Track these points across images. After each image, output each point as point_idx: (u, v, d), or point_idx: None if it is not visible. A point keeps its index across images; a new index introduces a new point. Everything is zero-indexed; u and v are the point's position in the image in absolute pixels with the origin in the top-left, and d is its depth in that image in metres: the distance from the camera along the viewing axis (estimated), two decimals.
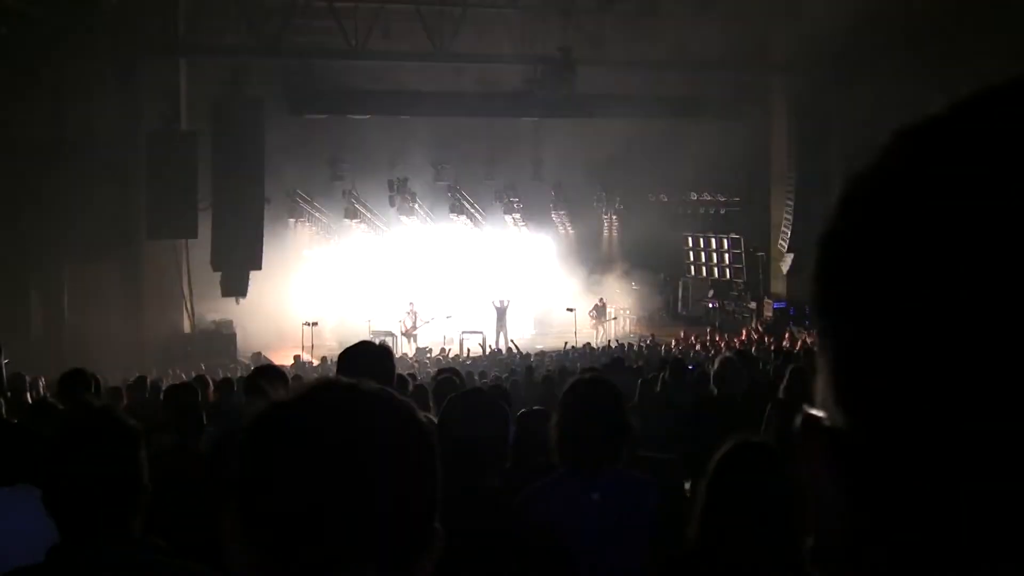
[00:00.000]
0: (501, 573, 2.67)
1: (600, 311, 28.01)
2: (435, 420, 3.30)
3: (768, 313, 27.16)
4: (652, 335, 25.66)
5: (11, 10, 19.34)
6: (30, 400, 7.82)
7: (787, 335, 22.24)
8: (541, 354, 21.92)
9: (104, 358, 16.10)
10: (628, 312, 29.23)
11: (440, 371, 8.40)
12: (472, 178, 28.75)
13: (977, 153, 0.51)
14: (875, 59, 21.24)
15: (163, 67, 23.17)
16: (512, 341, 24.67)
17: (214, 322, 24.47)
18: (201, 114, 23.35)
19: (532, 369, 15.62)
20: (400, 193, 27.75)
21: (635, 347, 22.98)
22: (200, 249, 23.34)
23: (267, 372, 5.17)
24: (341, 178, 27.26)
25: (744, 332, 25.02)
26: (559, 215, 30.96)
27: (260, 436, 1.16)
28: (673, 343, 23.77)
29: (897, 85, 18.02)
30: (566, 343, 23.57)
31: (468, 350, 24.63)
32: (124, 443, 2.26)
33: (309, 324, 23.68)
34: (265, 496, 1.12)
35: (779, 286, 27.82)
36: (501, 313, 26.33)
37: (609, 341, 25.31)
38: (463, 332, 25.69)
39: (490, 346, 25.09)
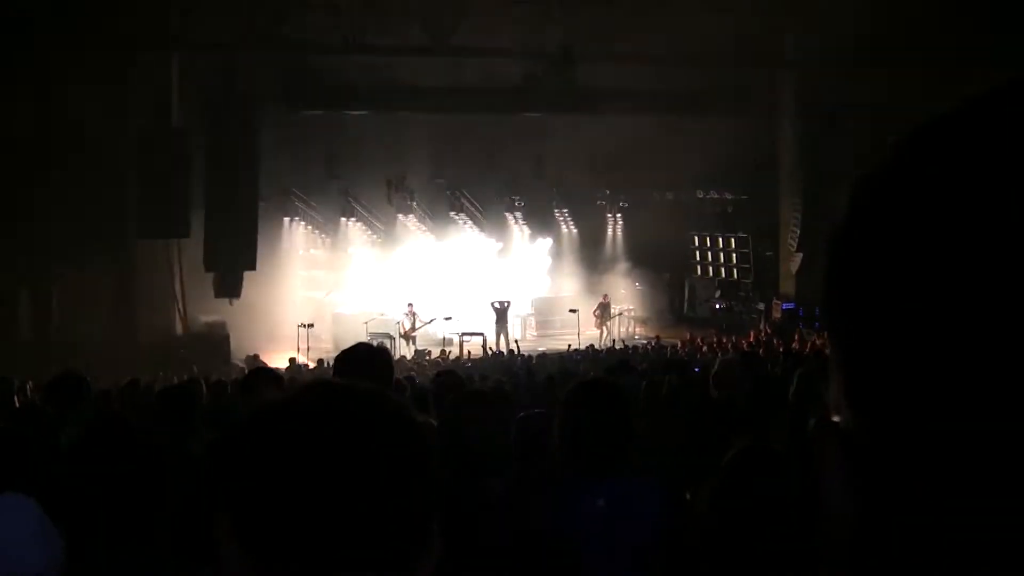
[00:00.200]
0: None
1: (604, 309, 27.98)
2: (435, 423, 3.31)
3: (777, 314, 27.13)
4: (657, 337, 25.64)
5: None
6: (17, 404, 7.82)
7: (796, 337, 22.21)
8: (543, 356, 21.90)
9: (94, 361, 16.11)
10: (632, 313, 29.21)
11: (440, 374, 8.40)
12: (472, 176, 28.73)
13: (990, 153, 0.52)
14: (885, 53, 21.24)
15: (154, 62, 23.16)
16: (515, 342, 24.66)
17: (207, 324, 24.46)
18: (194, 110, 23.35)
19: (533, 372, 15.60)
20: (398, 191, 27.75)
21: (640, 349, 22.96)
22: (192, 249, 23.33)
23: (262, 375, 5.18)
24: (337, 176, 27.25)
25: (752, 334, 24.99)
26: (561, 213, 30.95)
27: (253, 439, 1.17)
28: (679, 345, 23.74)
29: (908, 80, 18.04)
30: (569, 345, 23.55)
31: (468, 352, 24.61)
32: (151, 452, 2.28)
33: (305, 326, 23.67)
34: (258, 500, 1.12)
35: (788, 286, 27.79)
36: (501, 314, 26.32)
37: (613, 342, 25.29)
38: (463, 334, 25.68)
39: (490, 348, 25.07)
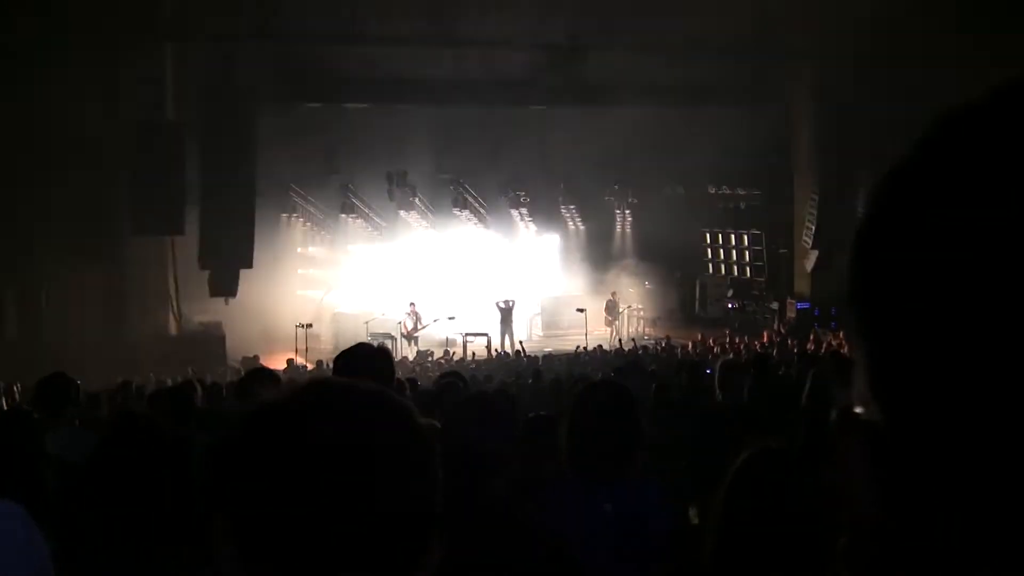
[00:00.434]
0: None
1: (612, 307, 27.97)
2: (438, 426, 3.31)
3: (791, 314, 27.11)
4: (667, 337, 25.63)
5: None
6: (5, 407, 7.84)
7: (811, 337, 22.19)
8: (549, 357, 21.91)
9: (85, 362, 16.12)
10: (642, 312, 29.20)
11: (443, 375, 8.43)
12: (476, 171, 28.70)
13: (1018, 146, 0.52)
14: (905, 42, 21.19)
15: (148, 52, 23.18)
16: (520, 342, 24.67)
17: (202, 323, 24.50)
18: (188, 103, 23.38)
19: (540, 373, 15.61)
20: (399, 186, 27.75)
21: (650, 350, 22.97)
22: (187, 246, 23.38)
23: (260, 376, 5.18)
24: (337, 171, 27.28)
25: (765, 334, 24.98)
26: (568, 210, 30.95)
27: (250, 438, 1.17)
28: (690, 345, 23.73)
29: (929, 69, 18.00)
30: (577, 346, 23.56)
31: (472, 353, 24.63)
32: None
33: (303, 326, 23.70)
34: (255, 501, 1.12)
35: (803, 285, 27.76)
36: (506, 314, 26.32)
37: (620, 341, 25.30)
38: (467, 334, 25.70)
39: (495, 349, 25.09)
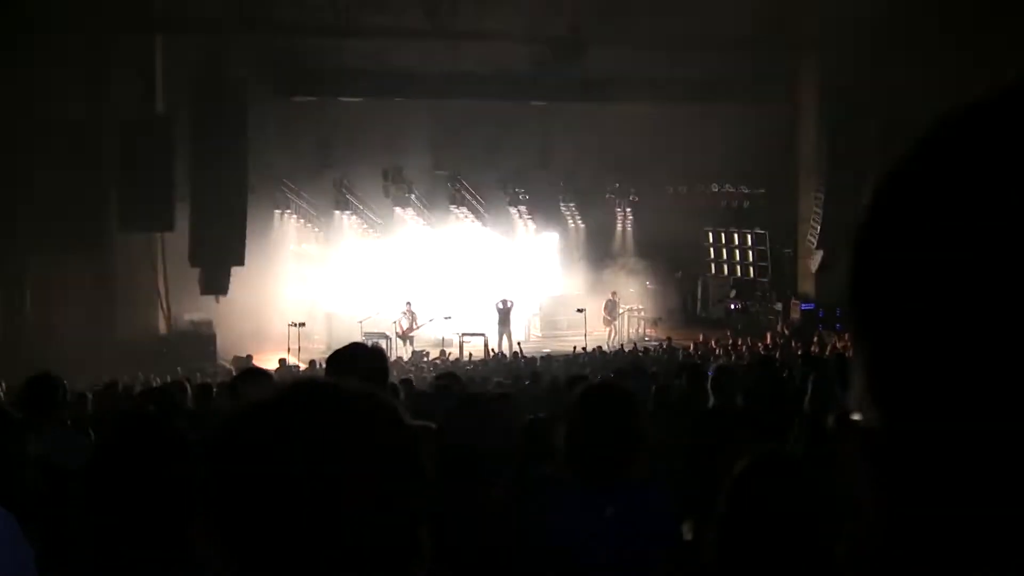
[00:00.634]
0: None
1: (611, 306, 27.95)
2: (434, 428, 3.32)
3: (795, 315, 27.12)
4: (669, 338, 25.64)
5: None
6: None
7: (816, 339, 22.21)
8: (548, 358, 21.91)
9: (71, 361, 16.12)
10: (643, 313, 29.19)
11: (439, 376, 8.44)
12: (473, 167, 28.67)
13: (1021, 145, 0.52)
14: (912, 36, 21.20)
15: (137, 44, 23.16)
16: (518, 344, 24.67)
17: (192, 322, 24.49)
18: (179, 96, 23.35)
19: (538, 374, 15.61)
20: (395, 183, 27.73)
21: (651, 351, 22.98)
22: (177, 243, 23.35)
23: (252, 376, 5.19)
24: (331, 166, 27.26)
25: (768, 336, 24.99)
26: (568, 208, 30.92)
27: (235, 438, 1.18)
28: (691, 347, 23.75)
29: (936, 64, 18.01)
30: (575, 347, 23.57)
31: (469, 354, 24.63)
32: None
33: (296, 325, 23.68)
34: (237, 502, 1.13)
35: (807, 286, 27.77)
36: (504, 314, 26.31)
37: (622, 344, 25.30)
38: (463, 334, 25.69)
39: (492, 350, 25.08)
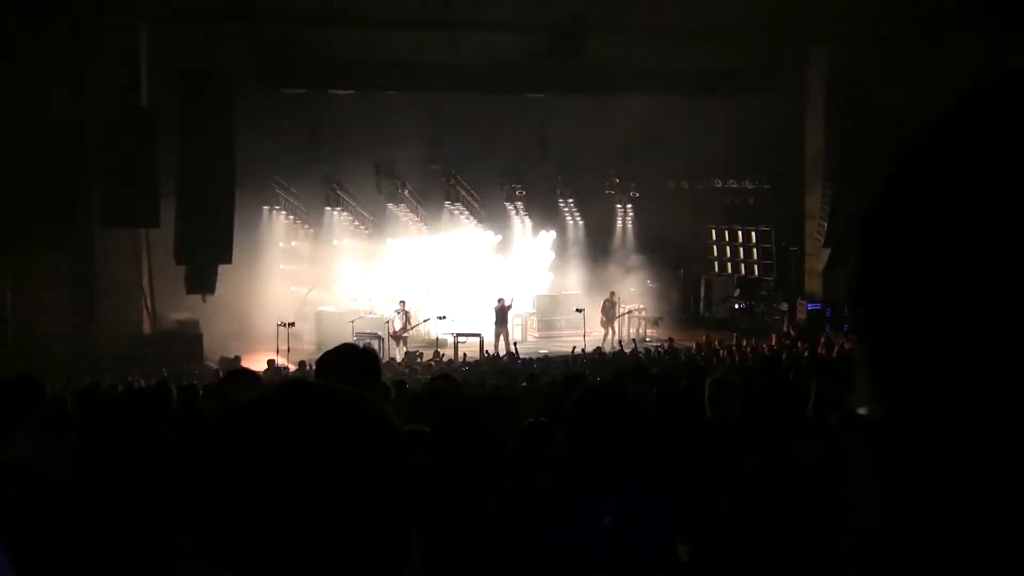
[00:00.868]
0: None
1: (608, 307, 27.98)
2: (427, 431, 3.31)
3: (801, 315, 27.18)
4: (671, 339, 25.68)
5: None
6: None
7: (822, 340, 22.23)
8: (545, 360, 21.94)
9: (51, 362, 16.14)
10: (644, 313, 29.23)
11: (434, 378, 8.44)
12: (469, 162, 28.71)
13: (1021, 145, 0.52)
14: (923, 26, 21.23)
15: (121, 33, 23.13)
16: (514, 344, 24.71)
17: (178, 322, 24.49)
18: (164, 87, 23.33)
19: (535, 376, 15.63)
20: (387, 177, 27.76)
21: (652, 352, 23.01)
22: (162, 240, 23.34)
23: (239, 377, 5.18)
24: (321, 160, 27.26)
25: (773, 337, 25.02)
26: (566, 204, 30.97)
27: (220, 441, 1.19)
28: (694, 348, 23.78)
29: (947, 55, 18.04)
30: (574, 347, 23.60)
31: (464, 355, 24.65)
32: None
33: (285, 325, 23.69)
34: (224, 505, 1.14)
35: (814, 285, 27.83)
36: (501, 314, 26.35)
37: (621, 344, 25.33)
38: (458, 334, 25.73)
39: (487, 350, 25.11)
